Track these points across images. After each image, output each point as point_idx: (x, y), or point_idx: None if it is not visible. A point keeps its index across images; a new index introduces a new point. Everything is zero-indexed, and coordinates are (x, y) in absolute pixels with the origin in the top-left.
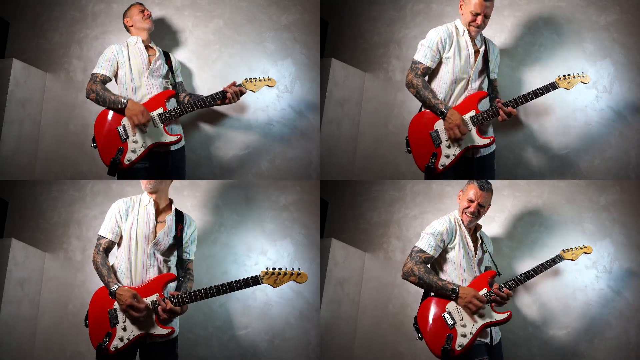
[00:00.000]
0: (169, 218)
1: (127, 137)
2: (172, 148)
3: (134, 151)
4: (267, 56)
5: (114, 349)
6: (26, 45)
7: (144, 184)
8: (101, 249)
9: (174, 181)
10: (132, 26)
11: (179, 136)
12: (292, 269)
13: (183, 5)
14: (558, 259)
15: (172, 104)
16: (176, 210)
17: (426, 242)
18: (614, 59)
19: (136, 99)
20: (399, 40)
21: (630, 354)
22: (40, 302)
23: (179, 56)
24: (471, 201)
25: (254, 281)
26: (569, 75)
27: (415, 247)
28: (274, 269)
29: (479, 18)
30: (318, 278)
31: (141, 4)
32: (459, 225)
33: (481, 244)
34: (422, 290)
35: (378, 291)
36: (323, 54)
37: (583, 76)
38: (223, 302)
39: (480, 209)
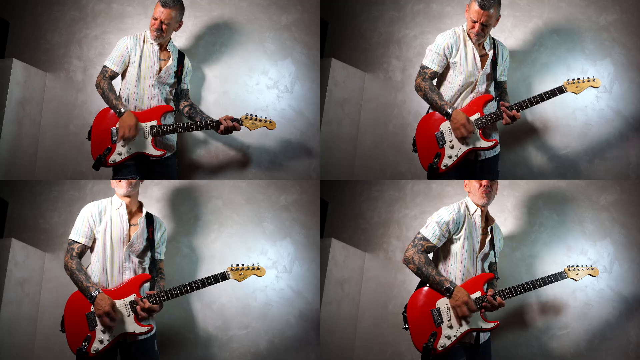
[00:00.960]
0: (141, 221)
1: (117, 140)
2: (152, 158)
3: (119, 154)
4: (267, 56)
5: (94, 352)
6: (26, 45)
7: (122, 186)
8: (74, 253)
9: (174, 181)
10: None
11: (162, 152)
12: (253, 264)
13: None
14: (560, 276)
15: (167, 119)
16: (146, 213)
17: (431, 231)
18: (614, 59)
19: (135, 103)
20: (399, 40)
21: (630, 354)
22: (40, 302)
23: None
24: (474, 22)
25: (222, 277)
26: (578, 79)
27: (419, 233)
28: (237, 265)
29: (477, 26)
30: (318, 278)
31: (164, 8)
32: (468, 214)
33: (491, 240)
34: None
35: (378, 291)
36: (323, 54)
37: (593, 80)
38: (224, 302)
39: (485, 28)
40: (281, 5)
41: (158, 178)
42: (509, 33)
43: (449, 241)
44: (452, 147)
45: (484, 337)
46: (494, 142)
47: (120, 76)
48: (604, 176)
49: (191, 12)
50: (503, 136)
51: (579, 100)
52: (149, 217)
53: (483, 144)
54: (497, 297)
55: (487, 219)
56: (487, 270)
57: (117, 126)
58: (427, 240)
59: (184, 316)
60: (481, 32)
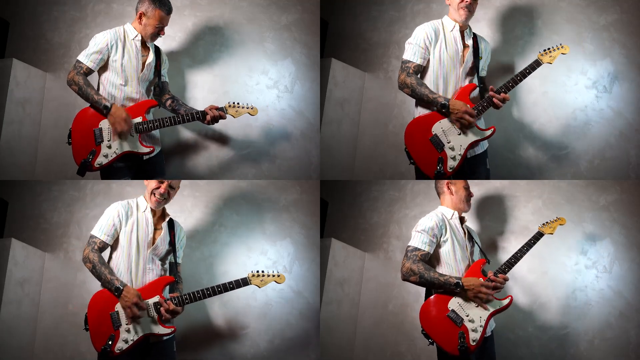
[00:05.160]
0: (165, 225)
1: (102, 141)
2: (145, 157)
3: (105, 156)
4: (267, 56)
5: (118, 351)
6: (26, 45)
7: (153, 200)
8: (96, 247)
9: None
10: (141, 23)
11: (151, 148)
12: (272, 271)
13: (183, 5)
14: (539, 235)
15: (152, 114)
16: (169, 217)
17: (419, 240)
18: (614, 59)
19: (123, 103)
20: (399, 40)
21: (630, 354)
22: (40, 302)
23: (178, 56)
24: (467, 188)
25: (244, 282)
26: (549, 48)
27: (409, 246)
28: (258, 271)
29: (464, 1)
30: (318, 278)
31: (168, 15)
32: (447, 219)
33: (469, 237)
34: (421, 290)
35: (378, 291)
36: (323, 54)
37: (562, 47)
38: (224, 302)
39: (474, 4)
40: (281, 5)
41: (148, 177)
42: (509, 33)
43: (438, 246)
44: (452, 148)
45: (487, 331)
46: (493, 129)
47: (97, 74)
48: (604, 176)
49: (191, 12)
50: (504, 136)
51: (579, 100)
52: (171, 222)
53: (482, 134)
54: (499, 275)
55: (460, 220)
56: (484, 268)
57: (100, 126)
58: (419, 249)
59: (184, 316)
60: (470, 3)
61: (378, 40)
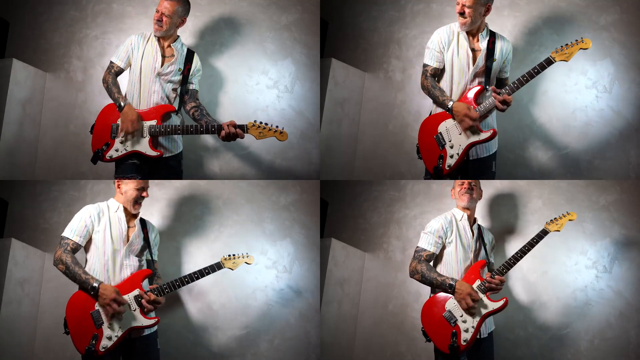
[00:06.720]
0: (137, 222)
1: (116, 136)
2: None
3: (117, 150)
4: (267, 56)
5: (103, 349)
6: (26, 45)
7: (137, 207)
8: (69, 248)
9: (175, 182)
10: None
11: (158, 153)
12: (243, 253)
13: None
14: (543, 233)
15: (172, 120)
16: (140, 217)
17: (425, 241)
18: (614, 59)
19: (136, 99)
20: (399, 40)
21: (630, 354)
22: (40, 302)
23: None
24: (462, 183)
25: (218, 266)
26: (566, 45)
27: (417, 247)
28: (230, 255)
29: (457, 7)
30: (318, 278)
31: (166, 0)
32: (456, 220)
33: (479, 238)
34: (421, 290)
35: (378, 291)
36: (323, 54)
37: (582, 41)
38: (224, 302)
39: (474, 187)
40: (281, 5)
41: (160, 179)
42: (509, 33)
43: (443, 247)
44: (452, 147)
45: (483, 332)
46: (492, 131)
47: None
48: (604, 176)
49: (191, 12)
50: (503, 136)
51: (579, 100)
52: (142, 220)
53: (481, 136)
54: (496, 276)
55: (472, 220)
56: (485, 269)
57: (118, 122)
58: (425, 249)
59: (184, 316)
60: (463, 11)
61: (378, 40)
